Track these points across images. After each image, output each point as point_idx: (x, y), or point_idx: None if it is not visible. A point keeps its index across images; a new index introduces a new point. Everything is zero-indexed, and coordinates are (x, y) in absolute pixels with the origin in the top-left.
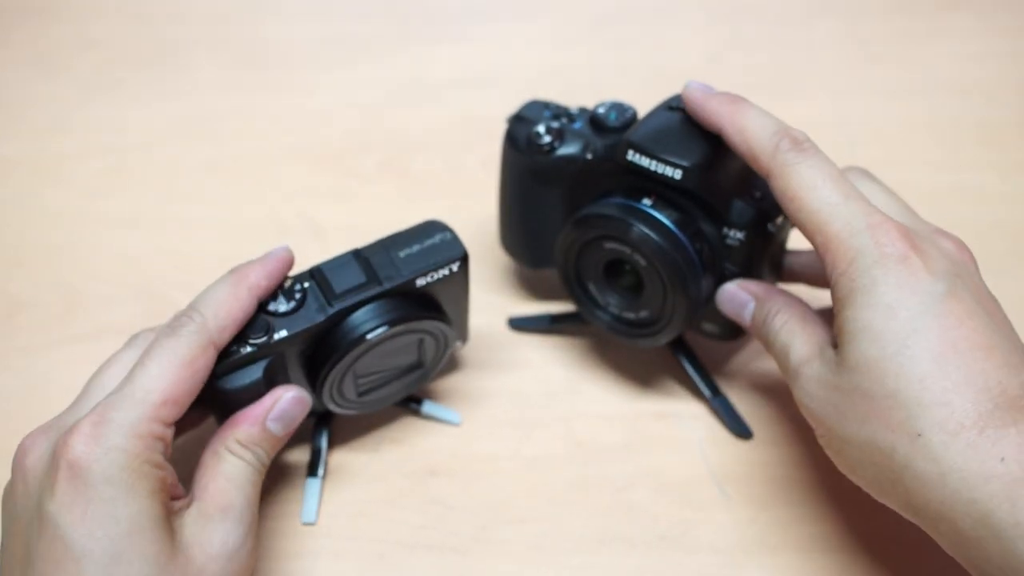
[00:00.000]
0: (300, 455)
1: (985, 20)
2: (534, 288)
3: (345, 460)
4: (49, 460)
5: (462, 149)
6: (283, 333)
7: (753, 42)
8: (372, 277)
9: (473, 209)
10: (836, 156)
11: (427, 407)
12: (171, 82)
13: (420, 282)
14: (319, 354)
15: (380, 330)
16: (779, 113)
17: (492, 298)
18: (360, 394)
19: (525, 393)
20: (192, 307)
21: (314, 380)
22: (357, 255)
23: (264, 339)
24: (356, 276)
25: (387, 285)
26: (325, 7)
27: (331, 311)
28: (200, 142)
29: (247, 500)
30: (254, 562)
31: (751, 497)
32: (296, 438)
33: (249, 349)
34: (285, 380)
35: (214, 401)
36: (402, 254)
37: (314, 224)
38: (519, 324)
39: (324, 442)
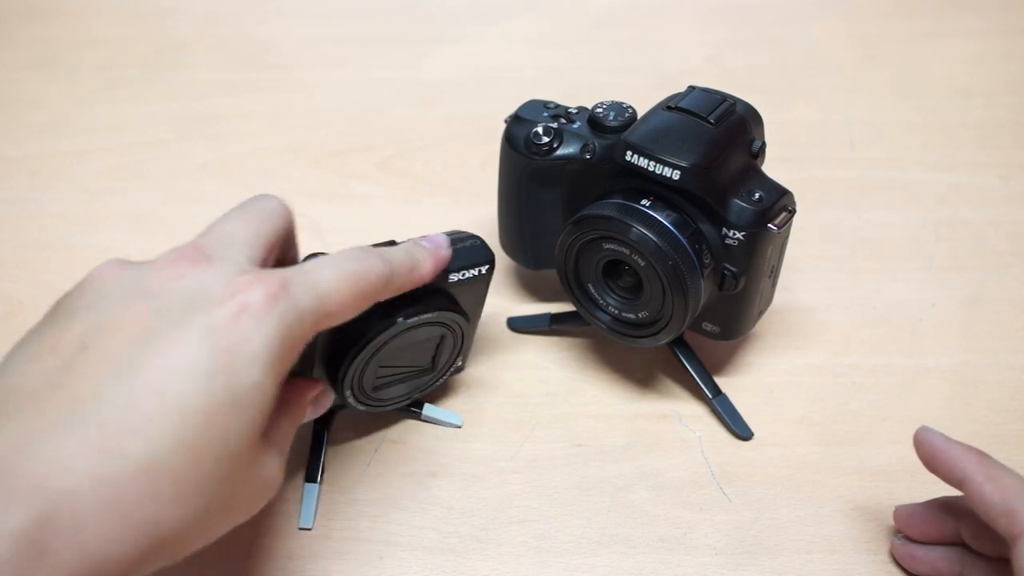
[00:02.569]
0: (301, 457)
1: (985, 21)
2: (534, 289)
3: (345, 461)
4: (214, 282)
5: (462, 149)
6: None
7: (753, 42)
8: None
9: (473, 209)
10: (836, 156)
11: (428, 411)
12: (171, 82)
13: (453, 278)
14: (347, 337)
15: (412, 314)
16: (779, 113)
17: (492, 299)
18: (375, 388)
19: (525, 393)
20: (384, 255)
21: (338, 364)
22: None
23: None
24: None
25: None
26: (325, 7)
27: None
28: (200, 142)
29: (287, 452)
30: (264, 504)
31: (751, 498)
32: (296, 440)
33: None
34: (311, 359)
35: None
36: None
37: (314, 224)
38: (519, 324)
39: (323, 447)
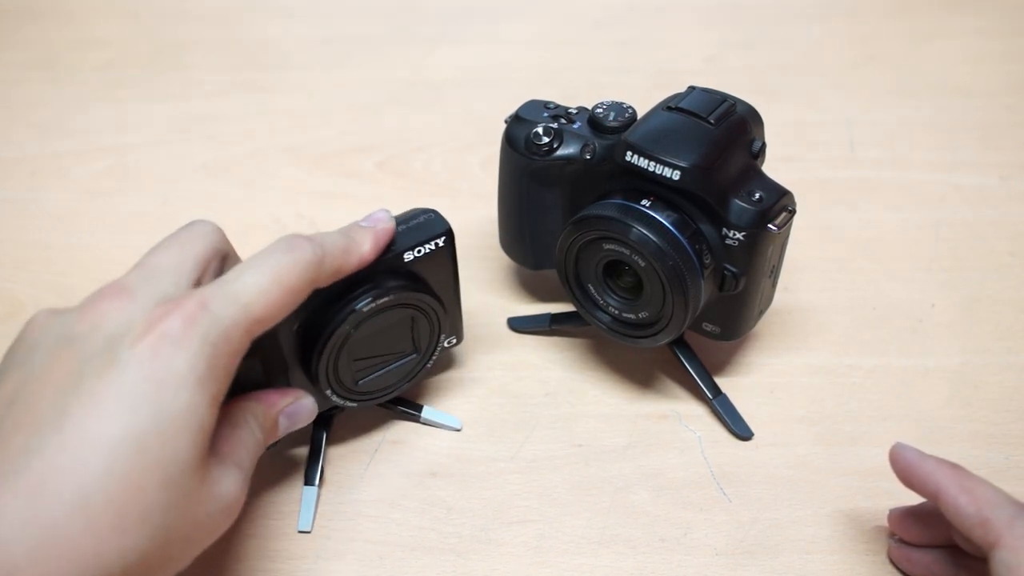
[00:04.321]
0: (301, 459)
1: (985, 21)
2: (534, 289)
3: (345, 462)
4: (135, 316)
5: (462, 149)
6: None
7: (753, 42)
8: None
9: (473, 209)
10: (836, 156)
11: (427, 413)
12: (171, 82)
13: (408, 256)
14: (312, 332)
15: (367, 299)
16: (779, 113)
17: (492, 299)
18: (357, 381)
19: (525, 393)
20: (313, 239)
21: (309, 363)
22: None
23: None
24: None
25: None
26: (325, 7)
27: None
28: (200, 142)
29: (251, 467)
30: (231, 523)
31: (751, 498)
32: (297, 440)
33: None
34: (280, 363)
35: None
36: None
37: (314, 225)
38: (519, 325)
39: (322, 450)
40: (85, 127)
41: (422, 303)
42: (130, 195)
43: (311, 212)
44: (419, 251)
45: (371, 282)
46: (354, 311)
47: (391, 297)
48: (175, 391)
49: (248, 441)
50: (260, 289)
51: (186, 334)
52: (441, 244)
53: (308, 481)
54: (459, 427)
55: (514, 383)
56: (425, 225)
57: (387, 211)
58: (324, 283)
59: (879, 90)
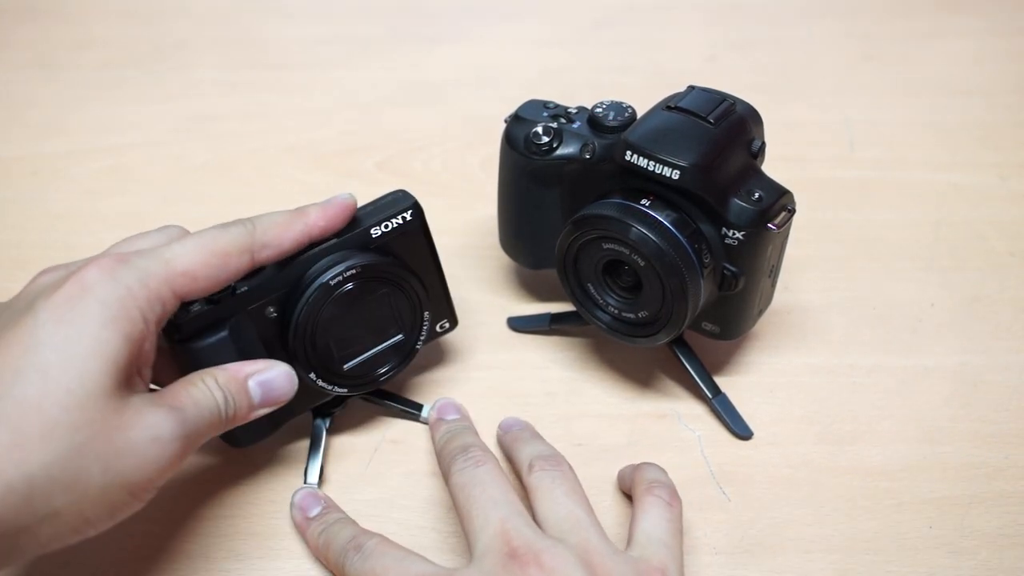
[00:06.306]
0: (303, 455)
1: (985, 20)
2: (534, 288)
3: (345, 461)
4: (58, 275)
5: (462, 149)
6: (243, 288)
7: (753, 42)
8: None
9: (473, 209)
10: (836, 156)
11: (427, 413)
12: (171, 82)
13: (375, 232)
14: (286, 312)
15: (334, 272)
16: (779, 113)
17: (492, 298)
18: (343, 363)
19: (525, 393)
20: (246, 218)
21: (284, 342)
22: None
23: (226, 292)
24: None
25: (342, 236)
26: (325, 7)
27: (287, 266)
28: (200, 142)
29: (198, 420)
30: (174, 467)
31: (751, 497)
32: (298, 436)
33: (210, 306)
34: (261, 354)
35: (187, 365)
36: (358, 215)
37: None
38: (519, 324)
39: (321, 449)
40: (85, 127)
41: (395, 277)
42: (130, 195)
43: None
44: (386, 226)
45: (338, 256)
46: (322, 284)
47: (358, 269)
48: (81, 327)
49: (198, 397)
50: (182, 251)
51: (100, 280)
52: (409, 218)
53: (308, 480)
54: None
55: (514, 383)
56: (392, 203)
57: (350, 193)
58: (266, 254)
59: (879, 90)
